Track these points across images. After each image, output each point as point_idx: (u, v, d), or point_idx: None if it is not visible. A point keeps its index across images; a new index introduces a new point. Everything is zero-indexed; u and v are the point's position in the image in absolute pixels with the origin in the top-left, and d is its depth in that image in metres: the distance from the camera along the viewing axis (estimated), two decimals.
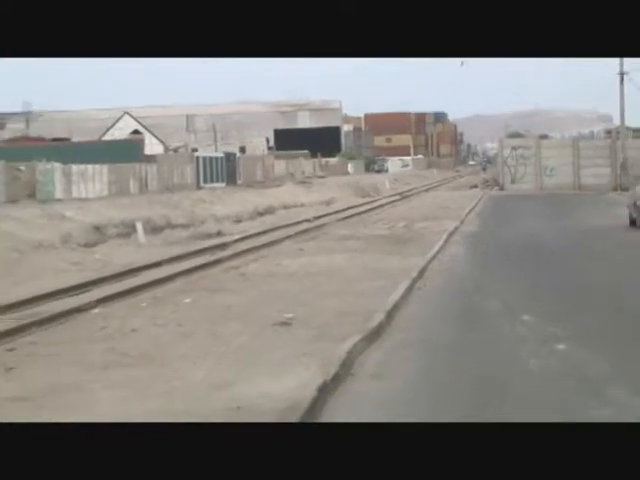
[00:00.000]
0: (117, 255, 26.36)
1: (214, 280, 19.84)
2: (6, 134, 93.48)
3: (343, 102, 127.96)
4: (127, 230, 32.01)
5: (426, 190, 70.68)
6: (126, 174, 53.85)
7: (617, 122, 68.80)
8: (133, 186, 53.73)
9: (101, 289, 18.79)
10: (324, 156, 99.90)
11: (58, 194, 46.53)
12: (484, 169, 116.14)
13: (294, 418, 8.23)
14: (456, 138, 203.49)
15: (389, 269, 19.80)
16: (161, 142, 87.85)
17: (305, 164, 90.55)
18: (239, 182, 67.77)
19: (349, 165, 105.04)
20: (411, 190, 68.73)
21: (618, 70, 61.25)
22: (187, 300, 16.70)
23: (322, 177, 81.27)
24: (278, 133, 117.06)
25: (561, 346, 11.68)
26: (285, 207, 48.14)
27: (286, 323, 13.63)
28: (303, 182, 69.48)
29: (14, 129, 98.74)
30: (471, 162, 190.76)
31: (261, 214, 43.68)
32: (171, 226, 35.28)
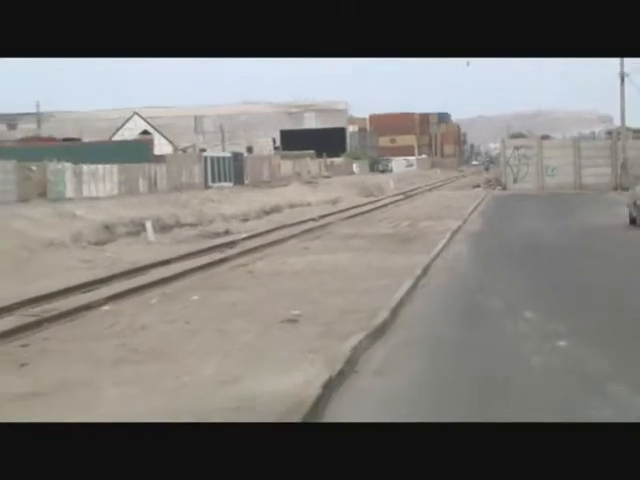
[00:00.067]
0: (127, 253, 26.38)
1: (222, 278, 19.86)
2: (18, 134, 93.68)
3: (347, 103, 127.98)
4: (137, 229, 32.04)
5: (430, 190, 70.61)
6: (136, 174, 53.93)
7: (617, 123, 68.74)
8: (142, 185, 53.81)
9: (111, 286, 18.81)
10: (329, 156, 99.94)
11: (69, 193, 46.64)
12: (487, 169, 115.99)
13: (301, 413, 8.25)
14: (459, 138, 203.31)
15: (393, 267, 19.80)
16: (170, 142, 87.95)
17: (311, 164, 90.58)
18: (246, 182, 67.83)
19: (354, 165, 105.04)
20: (415, 190, 68.65)
21: (618, 71, 61.20)
22: (195, 297, 16.72)
23: (327, 177, 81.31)
24: (284, 133, 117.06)
25: (562, 343, 11.68)
26: (291, 206, 48.13)
27: (292, 320, 13.65)
28: (309, 182, 69.50)
29: (26, 129, 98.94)
30: (474, 162, 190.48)
31: (268, 213, 43.69)
32: (180, 225, 35.30)
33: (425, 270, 19.54)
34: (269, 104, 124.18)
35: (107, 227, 31.46)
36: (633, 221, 30.03)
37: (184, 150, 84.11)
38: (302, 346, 11.65)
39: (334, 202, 52.20)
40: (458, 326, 13.40)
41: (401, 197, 57.42)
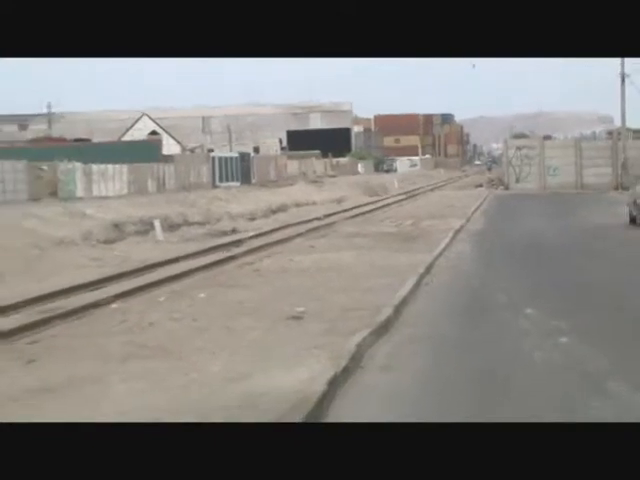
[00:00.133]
0: (136, 251, 26.38)
1: (229, 276, 19.84)
2: (29, 135, 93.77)
3: (352, 103, 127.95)
4: (145, 227, 32.04)
5: (433, 189, 70.56)
6: (144, 173, 53.97)
7: (618, 123, 68.59)
8: (151, 185, 53.86)
9: (120, 284, 18.80)
10: (335, 156, 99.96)
11: (79, 192, 46.69)
12: (489, 169, 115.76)
13: (306, 409, 8.22)
14: (462, 139, 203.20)
15: (397, 266, 19.76)
16: (178, 143, 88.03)
17: (317, 164, 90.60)
18: (253, 181, 67.87)
19: (359, 165, 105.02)
20: (418, 189, 68.61)
21: (619, 72, 61.09)
22: (202, 295, 16.69)
23: (333, 176, 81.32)
24: (291, 134, 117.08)
25: (564, 339, 11.64)
26: (297, 205, 48.12)
27: (298, 317, 13.62)
28: (315, 181, 69.50)
29: (37, 130, 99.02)
30: (477, 162, 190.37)
31: (274, 212, 43.68)
32: (188, 224, 35.31)
33: (428, 268, 19.50)
34: (275, 105, 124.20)
35: (116, 226, 31.47)
36: (633, 220, 29.97)
37: (192, 150, 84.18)
38: (308, 343, 11.62)
39: (339, 201, 52.19)
40: (461, 323, 13.37)
41: (405, 196, 57.38)
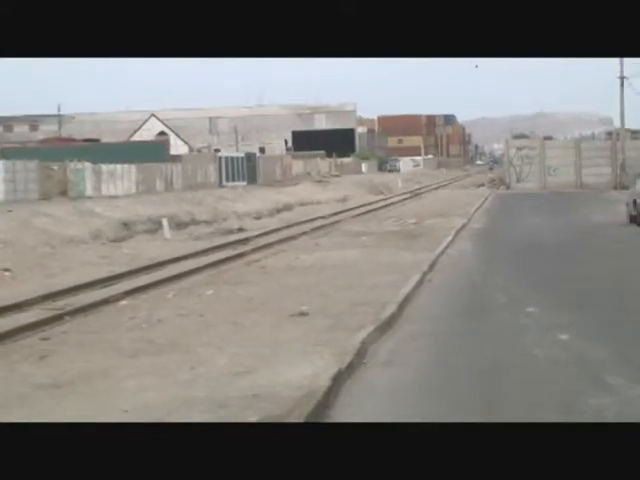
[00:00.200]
0: (144, 249, 26.41)
1: (236, 273, 19.86)
2: (40, 135, 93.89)
3: (356, 104, 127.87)
4: (154, 226, 32.08)
5: (436, 188, 70.49)
6: (153, 173, 54.01)
7: (617, 124, 68.55)
8: (159, 184, 53.89)
9: (129, 282, 18.83)
10: (339, 156, 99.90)
11: (89, 192, 46.73)
12: (491, 169, 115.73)
13: (312, 404, 8.23)
14: (464, 139, 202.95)
15: (401, 263, 19.77)
16: (186, 143, 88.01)
17: (321, 164, 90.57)
18: (259, 181, 67.84)
19: (363, 165, 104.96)
20: (421, 188, 68.55)
21: (618, 75, 61.03)
22: (210, 292, 16.72)
23: (337, 176, 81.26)
24: (296, 134, 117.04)
25: (564, 336, 11.64)
26: (302, 204, 48.12)
27: (303, 313, 13.63)
28: (319, 181, 69.49)
29: (47, 130, 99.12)
30: (479, 162, 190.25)
31: (280, 211, 43.69)
32: (195, 222, 35.35)
33: (431, 266, 19.50)
34: (281, 106, 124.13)
35: (125, 224, 31.52)
36: (632, 219, 29.93)
37: (199, 150, 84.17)
38: (313, 338, 11.64)
39: (343, 200, 52.17)
40: (463, 319, 13.36)
41: (408, 195, 57.33)
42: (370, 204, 47.28)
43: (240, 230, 33.12)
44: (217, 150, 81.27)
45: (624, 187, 49.12)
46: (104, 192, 47.57)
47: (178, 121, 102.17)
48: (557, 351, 10.85)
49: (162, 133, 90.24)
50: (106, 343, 12.06)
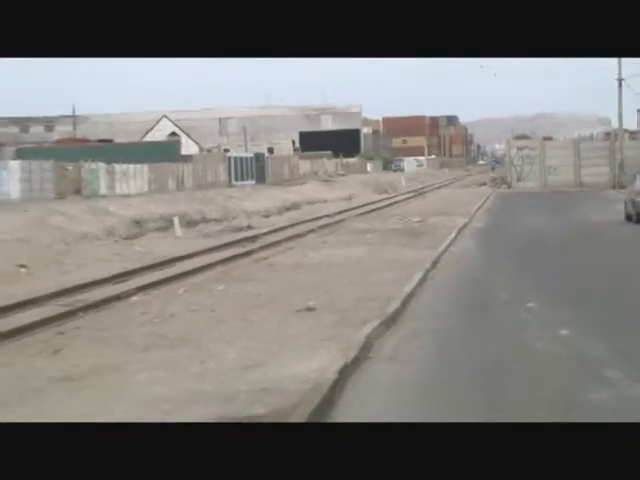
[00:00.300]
0: (156, 247, 26.42)
1: (245, 270, 19.84)
2: (55, 136, 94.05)
3: (362, 106, 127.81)
4: (165, 224, 32.09)
5: (439, 187, 70.42)
6: (164, 173, 54.08)
7: (615, 125, 68.39)
8: (171, 184, 53.97)
9: (141, 278, 18.83)
10: (345, 156, 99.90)
11: (102, 191, 46.81)
12: (493, 168, 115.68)
13: (318, 397, 8.22)
14: (466, 139, 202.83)
15: (404, 260, 19.73)
16: (196, 143, 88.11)
17: (328, 164, 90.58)
18: (267, 180, 67.89)
19: (368, 164, 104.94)
20: (425, 187, 68.49)
21: (617, 76, 60.89)
22: (220, 288, 16.71)
23: (343, 175, 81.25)
24: (303, 135, 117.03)
25: (564, 332, 11.60)
26: (309, 203, 48.09)
27: (310, 309, 13.62)
28: (326, 180, 69.46)
29: (62, 131, 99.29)
30: (481, 162, 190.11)
31: (288, 209, 43.68)
32: (205, 220, 35.35)
33: (434, 263, 19.47)
34: (289, 107, 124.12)
35: (137, 222, 31.53)
36: (629, 217, 29.89)
37: (209, 150, 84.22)
38: (320, 333, 11.62)
39: (349, 199, 52.14)
40: (465, 315, 13.33)
41: (411, 194, 57.28)
42: (375, 203, 47.23)
43: (249, 228, 33.10)
44: (227, 150, 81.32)
45: (622, 186, 49.04)
46: (117, 191, 47.64)
47: (189, 122, 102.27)
48: (557, 346, 10.82)
49: (173, 134, 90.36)
50: (118, 338, 12.05)
